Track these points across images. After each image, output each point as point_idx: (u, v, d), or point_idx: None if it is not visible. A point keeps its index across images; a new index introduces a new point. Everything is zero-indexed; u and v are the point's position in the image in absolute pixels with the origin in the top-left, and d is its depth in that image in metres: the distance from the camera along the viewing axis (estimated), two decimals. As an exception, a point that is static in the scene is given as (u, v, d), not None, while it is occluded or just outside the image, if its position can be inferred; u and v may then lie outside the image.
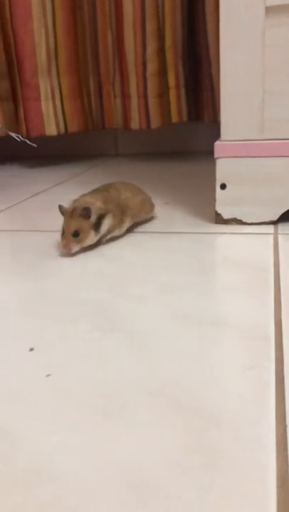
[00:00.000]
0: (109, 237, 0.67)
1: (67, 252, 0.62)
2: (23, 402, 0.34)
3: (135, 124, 1.31)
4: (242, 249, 0.64)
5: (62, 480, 0.27)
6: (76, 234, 0.62)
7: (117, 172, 1.25)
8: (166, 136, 1.46)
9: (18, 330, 0.45)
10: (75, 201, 0.66)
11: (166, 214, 0.81)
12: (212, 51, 1.22)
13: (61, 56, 1.30)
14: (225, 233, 0.69)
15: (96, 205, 0.64)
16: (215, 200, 0.71)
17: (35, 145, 1.19)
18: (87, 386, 0.36)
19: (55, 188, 1.10)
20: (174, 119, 1.29)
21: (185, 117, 1.31)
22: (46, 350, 0.41)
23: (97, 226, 0.63)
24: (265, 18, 0.64)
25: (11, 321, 0.47)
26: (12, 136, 1.19)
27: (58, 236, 0.65)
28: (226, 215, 0.71)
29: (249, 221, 0.70)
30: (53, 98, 1.32)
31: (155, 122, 1.29)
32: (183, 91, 1.29)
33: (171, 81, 1.26)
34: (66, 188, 1.09)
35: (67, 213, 0.64)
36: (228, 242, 0.67)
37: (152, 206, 0.76)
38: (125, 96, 1.31)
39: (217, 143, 0.69)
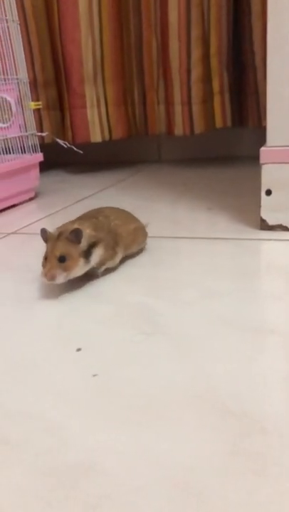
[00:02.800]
0: (102, 269, 0.58)
1: (49, 281, 0.51)
2: (72, 400, 0.36)
3: (179, 130, 1.32)
4: (287, 256, 0.63)
5: (111, 477, 0.28)
6: (62, 259, 0.52)
7: (160, 178, 1.26)
8: (210, 142, 1.46)
9: (66, 330, 0.47)
10: (59, 228, 0.56)
11: (209, 220, 0.81)
12: (258, 57, 1.21)
13: (107, 65, 1.33)
14: (270, 240, 0.68)
15: (86, 231, 0.55)
16: (260, 206, 0.70)
17: (81, 151, 1.22)
18: (133, 387, 0.36)
19: (99, 193, 1.12)
20: (218, 124, 1.29)
21: (229, 123, 1.31)
22: (92, 351, 0.42)
23: (87, 254, 0.54)
24: (314, 22, 0.63)
25: (59, 321, 0.49)
26: (58, 143, 1.22)
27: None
28: (271, 222, 0.70)
29: (295, 227, 0.69)
30: (98, 106, 1.35)
31: (199, 128, 1.30)
32: (227, 97, 1.28)
33: (216, 87, 1.27)
34: (110, 193, 1.11)
35: (52, 237, 0.54)
36: (273, 248, 0.66)
37: (145, 236, 0.67)
38: (169, 102, 1.33)
39: (263, 149, 0.69)
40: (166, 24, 1.25)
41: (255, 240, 0.69)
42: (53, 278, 0.51)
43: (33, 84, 1.34)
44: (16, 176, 1.02)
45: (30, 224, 0.87)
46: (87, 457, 0.30)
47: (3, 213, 0.99)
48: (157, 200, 0.99)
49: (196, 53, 1.24)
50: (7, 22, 1.01)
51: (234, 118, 1.32)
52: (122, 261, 0.62)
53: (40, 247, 0.55)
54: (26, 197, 1.08)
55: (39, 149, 1.08)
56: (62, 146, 1.20)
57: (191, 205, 0.91)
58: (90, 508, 0.26)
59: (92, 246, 0.55)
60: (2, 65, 1.00)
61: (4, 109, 1.01)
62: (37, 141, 1.07)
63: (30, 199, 1.10)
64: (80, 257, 0.53)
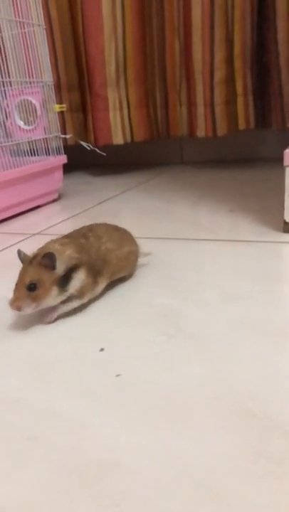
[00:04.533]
0: (75, 304, 0.50)
1: (15, 311, 0.46)
2: (96, 399, 0.36)
3: (201, 131, 1.32)
4: (311, 259, 0.62)
5: (134, 475, 0.29)
6: (32, 287, 0.46)
7: (181, 180, 1.26)
8: (232, 144, 1.46)
9: (89, 330, 0.48)
10: (40, 248, 0.50)
11: (231, 222, 0.80)
12: (282, 57, 1.20)
13: (130, 68, 1.34)
14: (293, 242, 0.67)
15: (66, 253, 0.48)
16: (283, 209, 0.70)
17: (104, 153, 1.23)
18: (156, 388, 0.37)
19: (121, 195, 1.13)
20: (241, 126, 1.29)
21: (252, 124, 1.30)
22: (116, 351, 0.43)
23: (64, 282, 0.48)
24: None
25: (83, 321, 0.50)
26: (81, 145, 1.24)
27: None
28: (294, 224, 0.70)
29: None
30: (121, 108, 1.35)
31: (221, 130, 1.29)
32: (251, 98, 1.28)
33: (239, 88, 1.26)
34: (132, 195, 1.12)
35: (25, 261, 0.48)
36: (296, 251, 0.66)
37: (137, 259, 0.60)
38: (191, 104, 1.33)
39: (287, 151, 0.68)
40: (190, 26, 1.25)
41: (278, 242, 0.68)
42: (18, 309, 0.45)
43: (57, 87, 1.36)
44: (40, 178, 1.04)
45: (54, 225, 0.89)
46: (111, 455, 0.30)
47: (28, 214, 1.01)
48: (179, 202, 0.99)
49: (219, 55, 1.24)
50: (33, 26, 1.03)
51: (257, 120, 1.31)
52: (113, 284, 0.56)
53: None
54: (50, 198, 1.09)
55: (63, 151, 1.10)
56: (85, 148, 1.22)
57: (213, 207, 0.91)
58: (113, 505, 0.27)
59: (72, 270, 0.48)
60: (28, 68, 1.02)
61: (29, 112, 1.03)
62: (61, 144, 1.09)
63: (54, 200, 1.11)
64: (53, 284, 0.46)
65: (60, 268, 0.47)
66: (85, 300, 0.50)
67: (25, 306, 0.45)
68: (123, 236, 0.58)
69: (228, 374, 0.38)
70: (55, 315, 0.49)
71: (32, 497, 0.28)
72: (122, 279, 0.58)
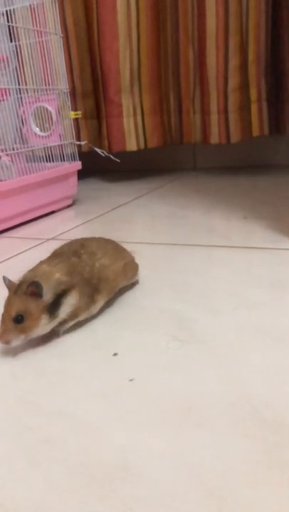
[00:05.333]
0: (69, 324, 0.48)
1: (3, 344, 0.44)
2: (109, 402, 0.37)
3: (214, 138, 1.33)
4: None
5: (146, 479, 0.29)
6: (19, 319, 0.43)
7: (195, 186, 1.26)
8: (245, 150, 1.46)
9: (103, 335, 0.48)
10: (28, 271, 0.47)
11: (245, 228, 0.80)
12: (296, 64, 1.20)
13: (144, 75, 1.35)
14: (307, 249, 0.67)
15: (54, 277, 0.46)
16: (297, 216, 0.70)
17: (118, 160, 1.24)
18: (169, 393, 0.37)
19: (135, 201, 1.13)
20: (255, 133, 1.29)
21: (266, 131, 1.30)
22: (129, 356, 0.43)
23: (54, 308, 0.45)
24: None
25: (97, 326, 0.50)
26: (95, 151, 1.25)
27: (137, 247, 0.66)
28: (308, 231, 0.70)
29: None
30: (135, 115, 1.37)
31: (235, 137, 1.30)
32: (265, 105, 1.28)
33: (253, 95, 1.26)
34: (145, 201, 1.12)
35: (10, 289, 0.46)
36: (310, 258, 0.66)
37: (136, 269, 0.59)
38: (205, 111, 1.33)
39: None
40: (204, 33, 1.26)
41: (292, 249, 0.68)
42: (7, 343, 0.43)
43: (72, 94, 1.38)
44: (55, 184, 1.05)
45: (68, 230, 0.90)
46: (123, 459, 0.31)
47: (43, 219, 1.02)
48: (192, 208, 0.99)
49: (233, 62, 1.24)
50: (50, 35, 1.05)
51: (271, 126, 1.31)
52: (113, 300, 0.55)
53: None
54: (64, 204, 1.11)
55: (78, 157, 1.11)
56: (99, 154, 1.23)
57: (226, 214, 0.91)
58: (125, 508, 0.27)
59: (61, 295, 0.46)
60: (44, 76, 1.04)
61: (45, 119, 1.05)
62: (76, 150, 1.10)
63: (68, 206, 1.12)
64: (42, 313, 0.44)
65: (48, 295, 0.45)
66: (76, 320, 0.48)
67: (14, 339, 0.43)
68: (116, 249, 0.56)
69: (241, 380, 0.38)
70: (61, 333, 0.48)
71: (45, 498, 0.28)
72: (128, 287, 0.58)
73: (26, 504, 0.28)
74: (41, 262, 0.49)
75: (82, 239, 0.55)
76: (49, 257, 0.50)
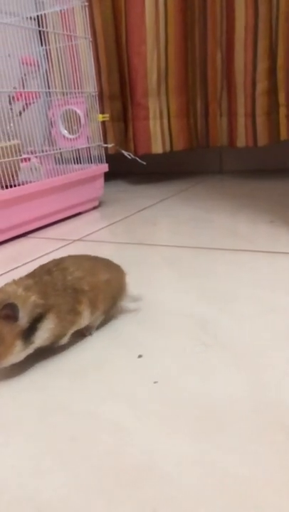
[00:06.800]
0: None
1: None
2: (134, 404, 0.37)
3: (241, 142, 1.32)
4: None
5: (169, 481, 0.29)
6: None
7: (221, 189, 1.26)
8: (273, 154, 1.44)
9: (128, 337, 0.49)
10: None
11: (271, 233, 0.80)
12: None
13: (171, 77, 1.35)
14: None
15: (30, 300, 0.41)
16: None
17: (144, 162, 1.25)
18: (192, 397, 0.37)
19: (160, 204, 1.14)
20: (283, 136, 1.27)
21: (294, 135, 1.28)
22: (153, 359, 0.44)
23: (29, 333, 0.41)
24: None
25: (122, 327, 0.51)
26: (121, 154, 1.26)
27: (162, 250, 0.67)
28: None
29: None
30: (161, 117, 1.37)
31: (262, 140, 1.29)
32: (293, 108, 1.26)
33: (281, 99, 1.25)
34: (171, 204, 1.13)
35: None
36: None
37: (123, 290, 0.52)
38: (232, 114, 1.33)
39: None
40: (232, 36, 1.25)
41: None
42: None
43: (99, 96, 1.39)
44: (82, 186, 1.07)
45: (93, 232, 0.91)
46: (147, 460, 0.31)
47: (69, 221, 1.03)
48: (217, 212, 0.99)
49: (262, 65, 1.23)
50: (79, 39, 1.06)
51: (299, 130, 1.29)
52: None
53: (102, 255, 0.55)
54: (91, 206, 1.12)
55: (104, 160, 1.12)
56: (124, 157, 1.24)
57: (252, 218, 0.91)
58: (148, 508, 0.27)
59: (37, 320, 0.42)
60: (73, 79, 1.05)
61: (73, 121, 1.06)
62: (103, 152, 1.12)
63: (94, 208, 1.14)
64: (16, 339, 0.40)
65: (24, 319, 0.41)
66: (58, 344, 0.44)
67: None
68: (97, 264, 0.51)
69: (266, 386, 0.38)
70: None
71: (70, 495, 0.29)
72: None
73: (53, 501, 0.29)
74: (13, 283, 0.43)
75: (61, 258, 0.50)
76: (20, 278, 0.45)
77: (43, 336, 0.42)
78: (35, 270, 0.47)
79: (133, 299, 0.54)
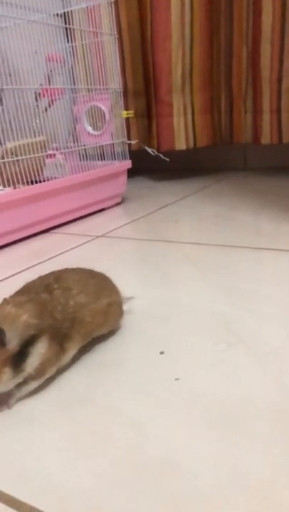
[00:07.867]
0: (34, 385, 0.39)
1: None
2: (155, 400, 0.37)
3: (266, 138, 1.30)
4: None
5: (190, 478, 0.29)
6: None
7: (244, 186, 1.25)
8: (298, 151, 1.42)
9: (150, 334, 0.49)
10: None
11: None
12: None
13: (196, 74, 1.35)
14: None
15: (21, 320, 0.37)
16: None
17: (167, 159, 1.25)
18: (214, 395, 0.37)
19: (182, 200, 1.14)
20: (309, 133, 1.26)
21: None
22: (175, 356, 0.44)
23: (19, 359, 0.37)
24: None
25: (144, 324, 0.51)
26: (144, 150, 1.26)
27: (184, 247, 0.67)
28: None
29: None
30: (185, 114, 1.37)
31: (287, 137, 1.27)
32: None
33: (308, 95, 1.23)
34: (193, 201, 1.12)
35: None
36: None
37: (120, 315, 0.49)
38: (257, 111, 1.31)
39: None
40: (259, 33, 1.24)
41: None
42: None
43: (124, 93, 1.39)
44: (106, 182, 1.07)
45: (116, 228, 0.91)
46: (168, 456, 0.31)
47: (93, 216, 1.04)
48: (240, 209, 0.98)
49: (288, 62, 1.22)
50: (105, 36, 1.07)
51: None
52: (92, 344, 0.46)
53: (124, 251, 0.56)
54: (114, 202, 1.13)
55: (128, 156, 1.12)
56: (147, 153, 1.24)
57: (276, 215, 0.90)
58: (170, 504, 0.28)
59: (29, 342, 0.38)
60: (98, 75, 1.06)
61: (98, 118, 1.07)
62: (126, 149, 1.12)
63: (117, 204, 1.14)
64: (4, 366, 0.36)
65: (14, 342, 0.37)
66: (44, 378, 0.39)
67: None
68: (100, 284, 0.47)
69: (287, 386, 0.38)
70: (13, 402, 0.38)
71: (93, 488, 0.29)
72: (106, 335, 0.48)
73: (76, 493, 0.29)
74: (5, 301, 0.40)
75: (62, 270, 0.46)
76: (16, 292, 0.42)
77: (33, 363, 0.38)
78: (34, 283, 0.44)
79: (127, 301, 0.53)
